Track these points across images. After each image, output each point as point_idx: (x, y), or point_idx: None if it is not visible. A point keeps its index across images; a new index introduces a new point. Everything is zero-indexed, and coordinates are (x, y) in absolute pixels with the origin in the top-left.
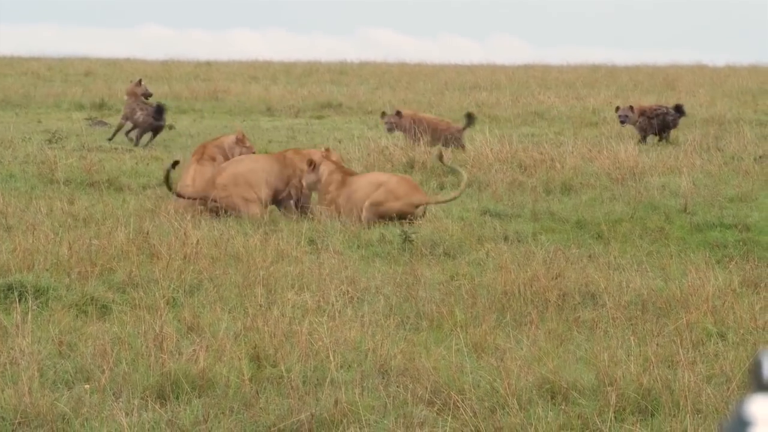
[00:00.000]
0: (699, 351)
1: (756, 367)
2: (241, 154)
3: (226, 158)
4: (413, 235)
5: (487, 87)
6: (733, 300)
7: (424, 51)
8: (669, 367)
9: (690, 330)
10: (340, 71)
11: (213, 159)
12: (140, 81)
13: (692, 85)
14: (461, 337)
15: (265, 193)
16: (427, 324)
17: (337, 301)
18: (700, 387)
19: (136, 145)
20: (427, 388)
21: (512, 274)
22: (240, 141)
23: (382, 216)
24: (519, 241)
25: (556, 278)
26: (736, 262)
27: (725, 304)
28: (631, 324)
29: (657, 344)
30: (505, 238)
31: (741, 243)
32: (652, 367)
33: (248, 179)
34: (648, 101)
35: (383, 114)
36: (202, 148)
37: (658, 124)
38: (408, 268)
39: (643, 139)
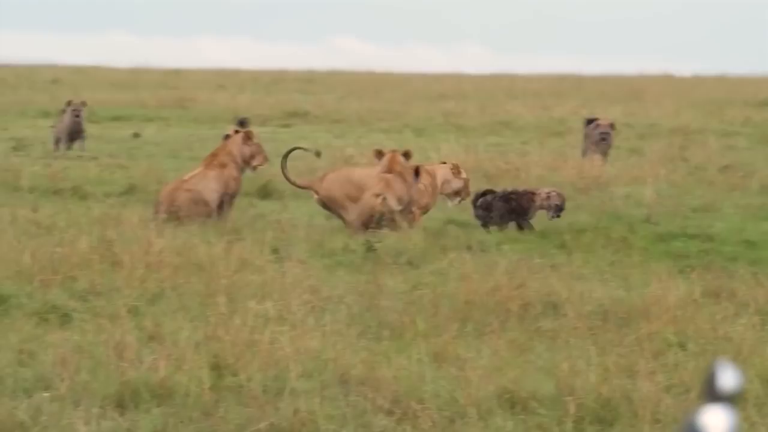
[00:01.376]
0: (659, 361)
1: (710, 378)
2: (251, 152)
3: (236, 163)
4: (377, 245)
5: (454, 96)
6: (694, 310)
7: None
8: (629, 377)
9: (650, 340)
10: (308, 80)
11: (224, 166)
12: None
13: (659, 95)
14: (422, 346)
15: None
16: (388, 333)
17: (299, 310)
18: (659, 397)
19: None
20: (387, 397)
21: (475, 283)
22: (247, 139)
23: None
24: (482, 251)
25: (519, 288)
26: (698, 272)
27: (686, 314)
28: (592, 334)
29: (617, 354)
30: (469, 248)
31: (703, 253)
32: (611, 377)
33: (355, 183)
34: (613, 113)
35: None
36: (211, 157)
37: None
38: (371, 277)
39: None
